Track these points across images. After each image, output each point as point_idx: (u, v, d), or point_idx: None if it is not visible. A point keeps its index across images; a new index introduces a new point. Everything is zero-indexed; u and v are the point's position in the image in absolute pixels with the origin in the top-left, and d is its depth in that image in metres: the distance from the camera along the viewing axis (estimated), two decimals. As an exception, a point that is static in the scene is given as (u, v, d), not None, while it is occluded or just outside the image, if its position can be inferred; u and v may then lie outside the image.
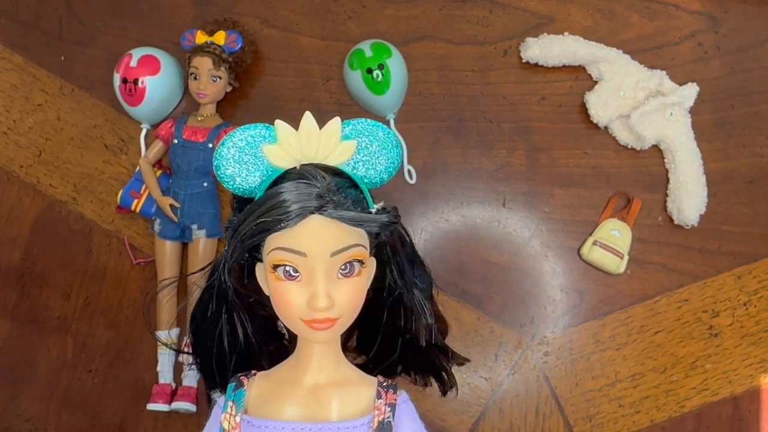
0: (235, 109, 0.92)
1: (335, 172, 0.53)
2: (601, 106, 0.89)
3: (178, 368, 0.87)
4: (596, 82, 0.91)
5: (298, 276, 0.52)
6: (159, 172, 0.89)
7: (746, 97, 0.91)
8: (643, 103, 0.88)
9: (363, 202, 0.54)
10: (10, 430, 0.88)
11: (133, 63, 0.88)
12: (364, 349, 0.66)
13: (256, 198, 0.54)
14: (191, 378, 0.86)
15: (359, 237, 0.53)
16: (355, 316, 0.55)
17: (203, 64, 0.86)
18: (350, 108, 0.91)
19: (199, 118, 0.88)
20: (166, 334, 0.86)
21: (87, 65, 0.96)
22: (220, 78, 0.87)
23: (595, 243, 0.87)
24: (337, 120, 0.54)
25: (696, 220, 0.87)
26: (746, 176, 0.89)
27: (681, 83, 0.90)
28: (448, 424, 0.85)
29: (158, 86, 0.88)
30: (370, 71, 0.85)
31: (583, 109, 0.90)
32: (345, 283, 0.52)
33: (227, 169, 0.54)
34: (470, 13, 0.94)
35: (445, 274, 0.87)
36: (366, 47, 0.87)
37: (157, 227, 0.87)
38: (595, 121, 0.89)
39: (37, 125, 0.95)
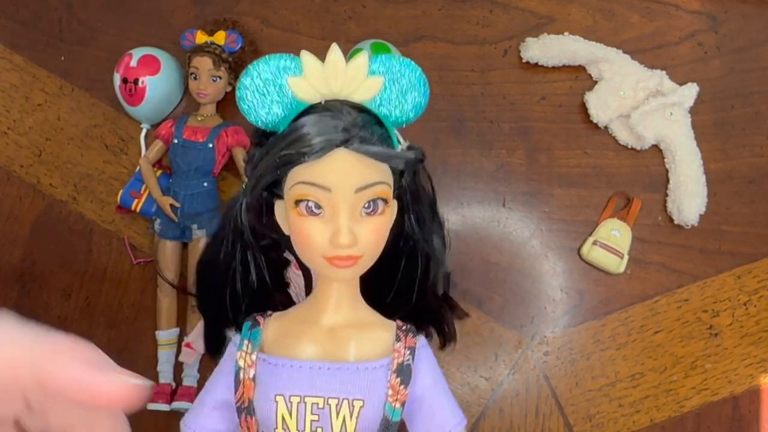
0: (235, 109, 0.91)
1: (361, 109, 0.52)
2: (601, 106, 0.89)
3: (178, 368, 0.87)
4: (596, 82, 0.91)
5: (320, 212, 0.50)
6: (159, 172, 0.89)
7: (746, 97, 0.91)
8: (643, 103, 0.88)
9: (388, 140, 0.52)
10: (10, 430, 0.88)
11: (133, 63, 0.88)
12: (372, 299, 0.63)
13: (279, 131, 0.52)
14: (191, 378, 0.86)
15: (384, 175, 0.52)
16: (376, 257, 0.54)
17: (203, 64, 0.86)
18: (350, 108, 0.91)
19: (199, 118, 0.88)
20: (166, 334, 0.86)
21: (87, 65, 0.96)
22: (220, 78, 0.87)
23: (595, 243, 0.87)
24: (364, 54, 0.52)
25: (696, 220, 0.87)
26: (746, 176, 0.89)
27: (681, 83, 0.90)
28: (448, 424, 0.85)
29: (158, 86, 0.88)
30: (370, 71, 0.85)
31: (583, 109, 0.90)
32: (368, 221, 0.51)
33: (251, 100, 0.52)
34: (470, 13, 0.94)
35: (445, 274, 0.87)
36: (366, 47, 0.87)
37: (157, 227, 0.87)
38: (595, 121, 0.89)
39: (37, 125, 0.95)
